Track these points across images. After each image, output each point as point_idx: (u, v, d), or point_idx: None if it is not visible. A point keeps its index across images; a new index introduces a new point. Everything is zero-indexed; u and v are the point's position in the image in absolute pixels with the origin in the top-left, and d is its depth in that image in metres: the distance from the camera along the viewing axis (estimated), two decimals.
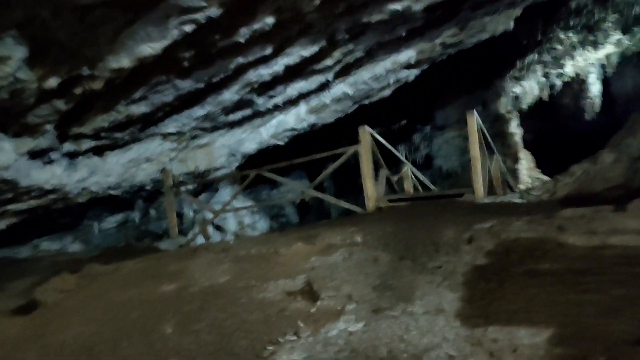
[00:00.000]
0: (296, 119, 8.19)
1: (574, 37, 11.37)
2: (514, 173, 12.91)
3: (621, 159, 5.13)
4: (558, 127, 16.34)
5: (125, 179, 7.61)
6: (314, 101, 7.98)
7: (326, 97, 7.88)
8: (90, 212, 8.74)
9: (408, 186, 7.99)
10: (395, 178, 7.76)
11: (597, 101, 14.62)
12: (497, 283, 3.38)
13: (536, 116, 14.98)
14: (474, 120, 6.26)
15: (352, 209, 6.79)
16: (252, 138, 8.43)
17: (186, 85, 6.26)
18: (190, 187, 9.02)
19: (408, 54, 7.31)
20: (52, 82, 4.76)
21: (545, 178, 14.46)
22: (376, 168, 7.00)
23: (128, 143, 7.16)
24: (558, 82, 14.14)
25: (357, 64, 7.27)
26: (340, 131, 10.84)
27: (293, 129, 8.42)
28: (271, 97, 7.43)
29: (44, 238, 8.71)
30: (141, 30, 4.63)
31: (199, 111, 7.16)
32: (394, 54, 7.28)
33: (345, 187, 14.27)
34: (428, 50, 7.34)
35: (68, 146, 6.50)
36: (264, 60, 6.33)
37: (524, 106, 13.97)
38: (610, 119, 15.73)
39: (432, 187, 9.09)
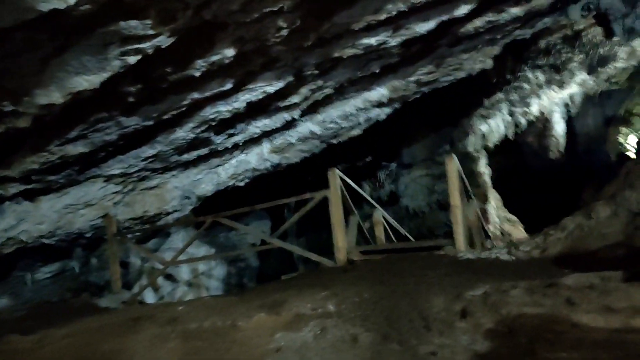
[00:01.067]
0: (258, 158, 7.50)
1: (541, 77, 11.21)
2: (484, 214, 12.54)
3: (619, 213, 4.65)
4: (522, 165, 16.25)
5: (60, 226, 6.68)
6: (279, 140, 7.32)
7: (292, 136, 7.23)
8: (22, 262, 7.68)
9: (380, 233, 7.36)
10: (366, 224, 7.12)
11: (562, 140, 14.59)
12: None
13: (501, 154, 14.82)
14: (454, 164, 5.72)
15: (321, 261, 6.07)
16: (209, 179, 7.66)
17: (132, 122, 5.49)
18: (138, 232, 8.10)
19: (380, 92, 6.78)
20: None
21: (513, 218, 14.19)
22: (346, 213, 6.35)
23: (64, 186, 6.28)
24: (523, 121, 14.03)
25: (326, 101, 6.68)
26: (306, 169, 10.21)
27: (255, 170, 7.71)
28: (231, 135, 6.73)
29: None
30: (73, 60, 3.88)
31: (148, 151, 6.38)
32: (365, 91, 6.74)
33: (312, 227, 13.58)
34: (401, 88, 6.84)
35: None
36: (223, 96, 5.65)
37: (490, 144, 13.75)
38: (573, 158, 15.76)
39: (404, 233, 8.49)
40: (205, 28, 4.29)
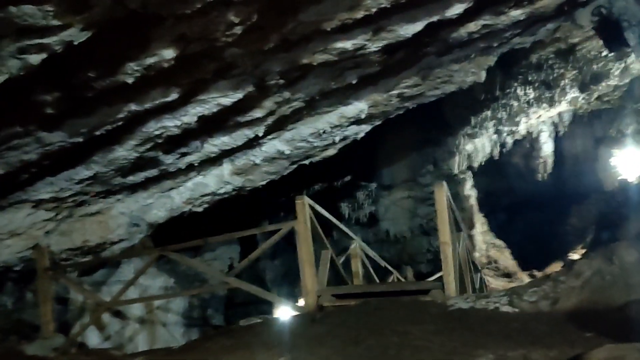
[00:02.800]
0: (217, 181, 6.53)
1: (531, 93, 10.51)
2: (470, 240, 11.71)
3: None
4: (507, 187, 15.51)
5: None
6: (241, 160, 6.38)
7: (256, 155, 6.30)
8: None
9: (357, 268, 6.42)
10: (341, 258, 6.19)
11: (550, 161, 13.91)
12: None
13: (484, 175, 14.05)
14: (444, 194, 4.84)
15: (285, 306, 5.12)
16: (161, 204, 6.66)
17: (56, 139, 4.51)
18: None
19: (358, 107, 5.90)
20: None
21: (499, 243, 13.38)
22: (318, 246, 5.45)
23: None
24: (510, 140, 13.35)
25: (295, 116, 5.78)
26: (275, 190, 9.27)
27: (214, 194, 6.73)
28: (183, 154, 5.77)
29: None
30: None
31: (83, 172, 5.38)
32: (340, 105, 5.86)
33: (289, 246, 12.58)
34: (382, 102, 5.97)
35: None
36: (169, 108, 4.71)
37: (475, 164, 13.01)
38: (558, 180, 15.07)
39: (385, 265, 7.57)
40: (135, 21, 3.36)
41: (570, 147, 14.48)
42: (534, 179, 14.26)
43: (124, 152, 5.22)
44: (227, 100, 4.82)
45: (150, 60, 3.78)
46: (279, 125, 5.84)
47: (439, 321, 4.09)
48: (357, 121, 6.32)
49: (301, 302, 5.36)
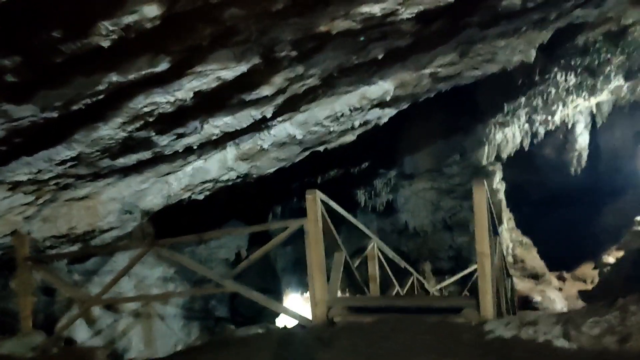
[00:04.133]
0: (220, 166, 5.80)
1: (572, 80, 9.53)
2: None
3: None
4: (536, 181, 14.55)
5: None
6: (246, 145, 5.62)
7: (264, 140, 5.54)
8: None
9: (374, 270, 5.66)
10: (356, 262, 5.45)
11: (584, 154, 12.91)
12: None
13: (512, 167, 13.09)
14: (484, 194, 4.02)
15: (294, 318, 4.40)
16: (156, 190, 5.96)
17: (26, 113, 3.81)
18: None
19: (383, 87, 5.09)
20: None
21: (526, 240, 12.48)
22: (330, 247, 4.70)
23: None
24: (542, 130, 12.35)
25: (309, 96, 5.00)
26: (285, 175, 8.48)
27: (216, 181, 6.00)
28: (180, 135, 5.04)
29: None
30: None
31: (64, 152, 4.68)
32: (363, 85, 5.05)
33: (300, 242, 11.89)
34: (412, 82, 5.15)
35: None
36: (159, 81, 3.97)
37: (504, 156, 12.08)
38: (592, 175, 14.04)
39: (405, 266, 6.80)
40: None
41: (607, 140, 13.44)
42: (566, 172, 13.29)
43: (110, 130, 4.51)
44: (229, 73, 4.06)
45: (129, 19, 3.03)
46: (290, 106, 5.06)
47: (473, 353, 3.34)
48: (381, 104, 5.50)
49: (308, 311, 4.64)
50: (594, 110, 12.33)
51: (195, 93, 4.19)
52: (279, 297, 13.91)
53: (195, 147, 5.30)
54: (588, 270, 12.21)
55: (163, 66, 3.72)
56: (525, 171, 14.19)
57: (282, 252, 14.07)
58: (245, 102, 4.70)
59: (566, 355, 3.18)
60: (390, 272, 6.13)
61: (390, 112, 5.97)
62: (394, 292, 6.28)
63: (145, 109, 4.30)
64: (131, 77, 3.72)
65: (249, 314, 13.27)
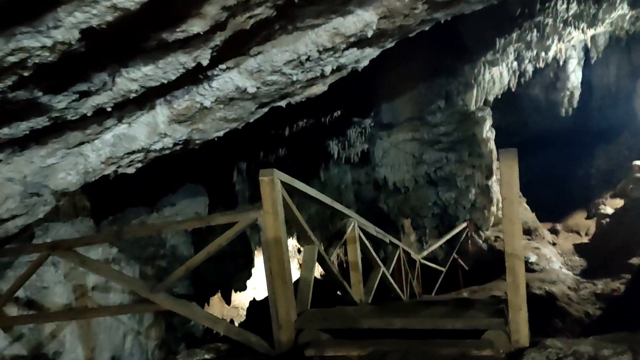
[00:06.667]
0: (150, 132, 4.40)
1: (573, 9, 8.24)
2: (486, 191, 9.81)
3: None
4: (522, 124, 13.46)
5: None
6: (182, 102, 4.22)
7: (204, 95, 4.14)
8: None
9: (355, 257, 4.47)
10: (333, 251, 4.23)
11: (576, 93, 11.81)
12: None
13: (496, 109, 11.92)
14: (516, 170, 2.80)
15: (249, 345, 3.19)
16: (69, 164, 4.55)
17: None
18: None
19: (363, 19, 3.71)
20: None
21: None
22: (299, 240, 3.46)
23: None
24: (530, 68, 11.15)
25: (262, 33, 3.59)
26: (248, 129, 7.11)
27: (146, 150, 4.61)
28: (84, 94, 3.61)
29: None
30: None
31: None
32: (335, 16, 3.66)
33: None
34: (401, 11, 3.77)
35: None
36: (22, 17, 2.53)
37: (490, 98, 10.89)
38: (582, 114, 12.99)
39: (390, 239, 5.65)
40: None
41: (601, 77, 12.31)
42: (556, 113, 12.19)
43: None
44: (131, 1, 2.62)
45: None
46: (235, 49, 3.66)
47: None
48: (360, 41, 4.13)
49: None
50: (589, 44, 11.12)
51: (83, 32, 2.75)
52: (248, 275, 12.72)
53: (110, 109, 3.88)
54: (581, 220, 11.39)
55: None
56: (508, 113, 13.06)
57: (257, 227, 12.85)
58: (168, 43, 3.27)
59: None
60: (374, 254, 4.96)
61: (371, 52, 4.59)
62: (379, 275, 5.15)
63: (12, 59, 2.85)
64: None
65: (216, 280, 12.17)
